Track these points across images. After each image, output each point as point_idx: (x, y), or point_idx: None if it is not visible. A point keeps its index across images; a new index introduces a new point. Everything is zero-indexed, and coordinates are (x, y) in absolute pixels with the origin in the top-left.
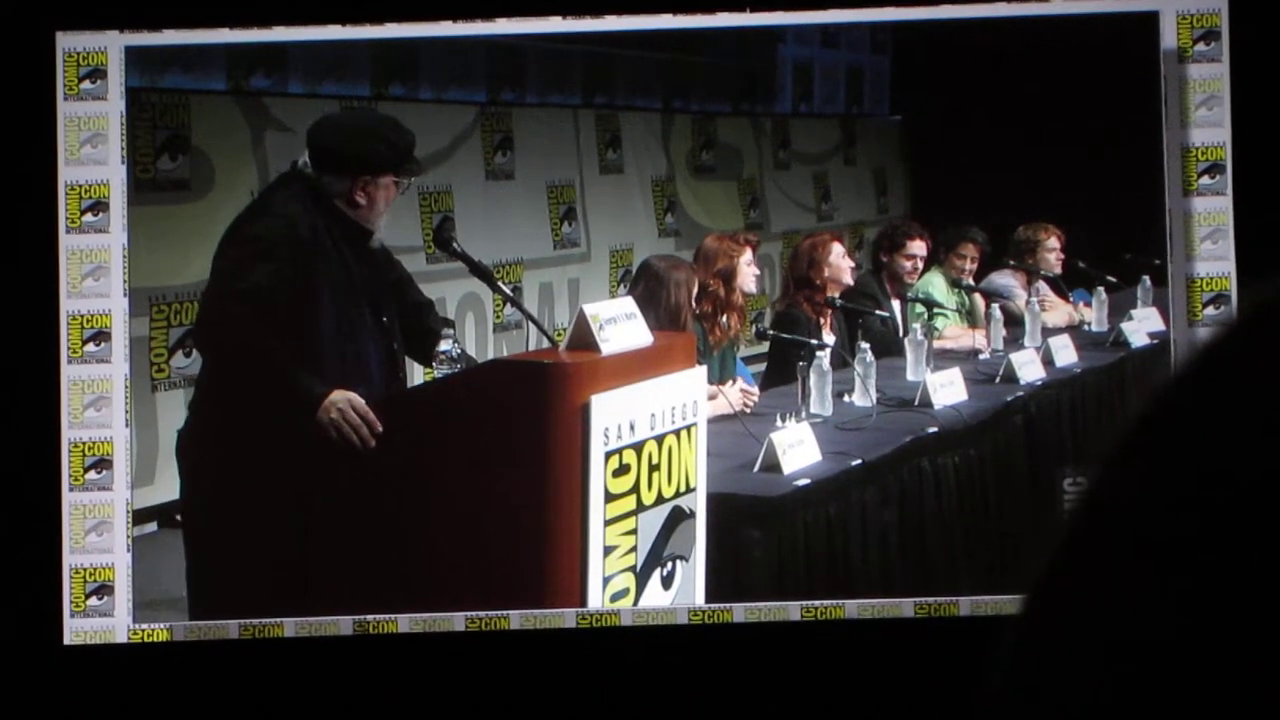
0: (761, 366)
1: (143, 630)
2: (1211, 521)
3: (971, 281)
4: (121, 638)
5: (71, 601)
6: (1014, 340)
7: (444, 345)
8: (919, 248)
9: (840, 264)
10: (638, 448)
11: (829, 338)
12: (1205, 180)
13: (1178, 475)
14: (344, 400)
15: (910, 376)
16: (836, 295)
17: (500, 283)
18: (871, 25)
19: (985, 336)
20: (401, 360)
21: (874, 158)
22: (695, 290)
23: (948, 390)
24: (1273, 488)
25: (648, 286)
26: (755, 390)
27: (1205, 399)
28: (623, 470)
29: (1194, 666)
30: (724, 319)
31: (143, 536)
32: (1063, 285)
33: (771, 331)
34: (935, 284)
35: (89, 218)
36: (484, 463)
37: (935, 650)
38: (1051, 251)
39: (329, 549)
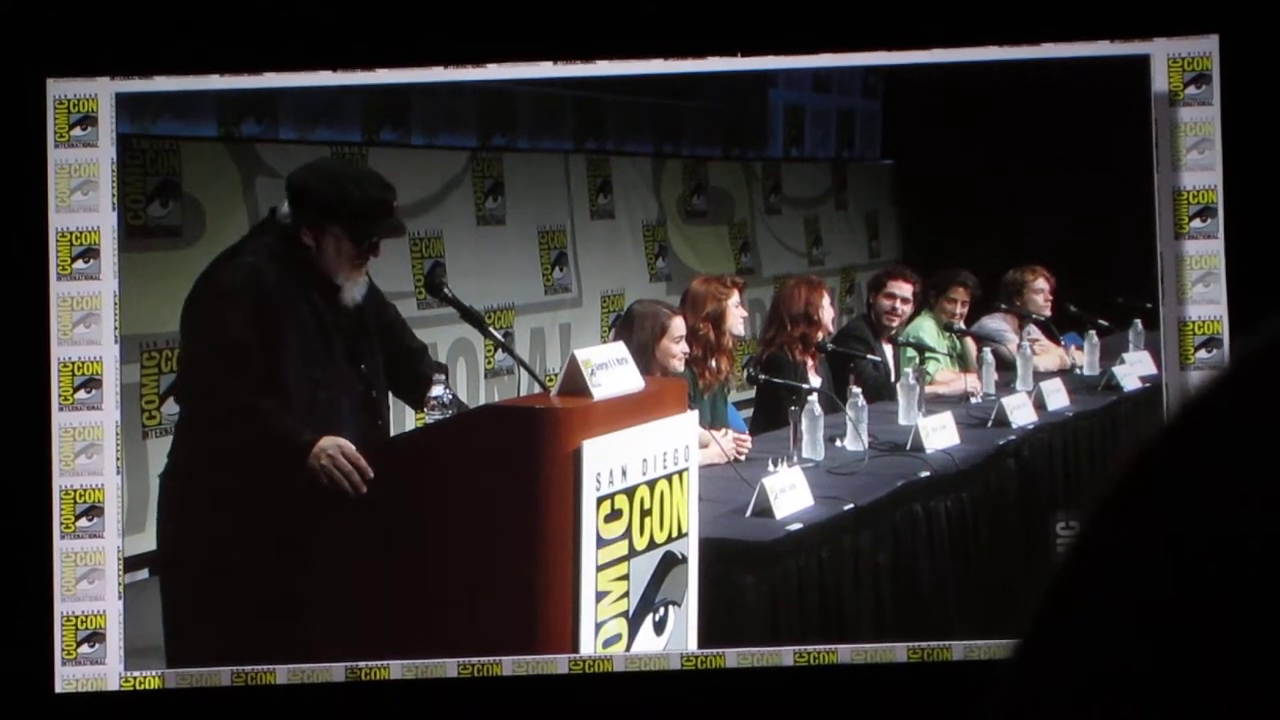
0: (748, 412)
1: (134, 678)
2: (1199, 575)
3: (962, 325)
4: (113, 685)
5: (63, 649)
6: (1006, 384)
7: (436, 390)
8: (900, 288)
9: (829, 308)
10: (630, 493)
11: (815, 380)
12: (1197, 223)
13: (1166, 528)
14: (334, 447)
15: (902, 420)
16: (827, 339)
17: (491, 328)
18: (863, 69)
19: (977, 380)
20: (382, 407)
21: (865, 202)
22: (669, 331)
23: (940, 434)
24: (1262, 542)
25: (621, 328)
26: (748, 439)
27: (1194, 450)
28: (615, 515)
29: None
30: (713, 362)
31: (134, 583)
32: (1054, 329)
33: (764, 376)
34: (925, 328)
35: (80, 264)
36: (476, 508)
37: (928, 695)
38: (1039, 293)
39: (320, 595)
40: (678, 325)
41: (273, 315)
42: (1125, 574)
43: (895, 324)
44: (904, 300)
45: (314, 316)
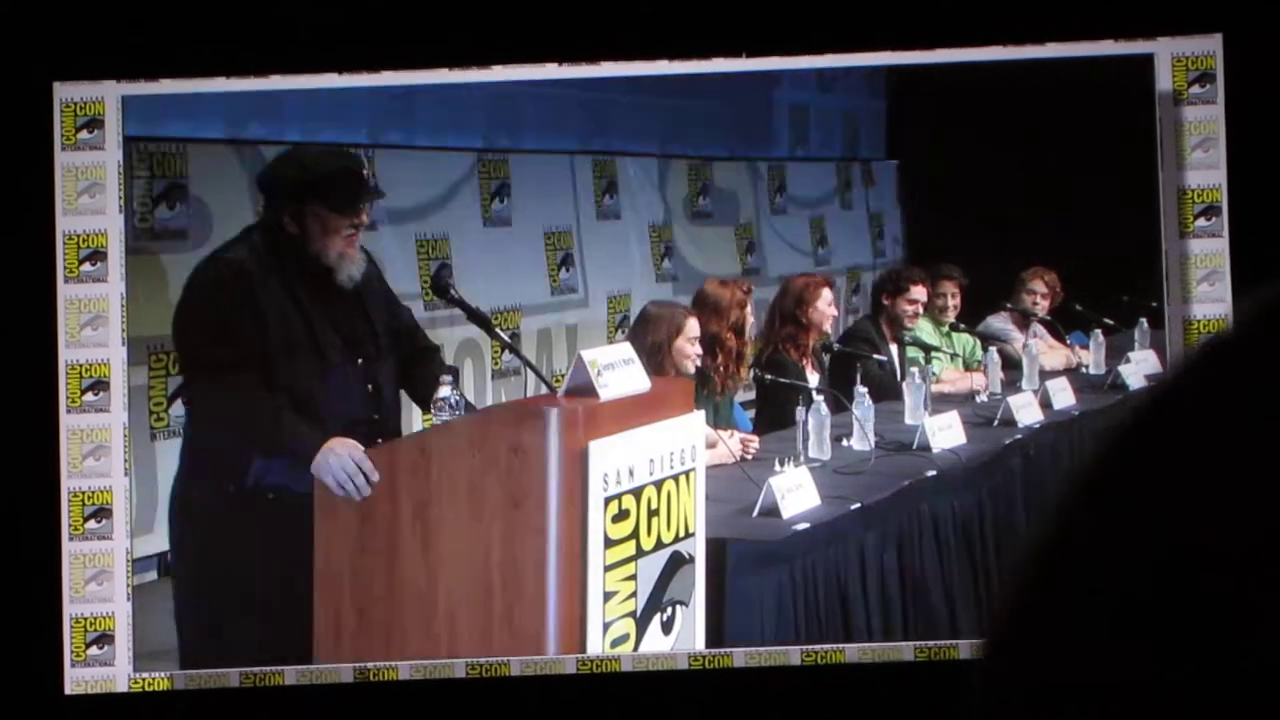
0: (751, 412)
1: (143, 679)
2: (1164, 573)
3: (953, 319)
4: (122, 687)
5: (72, 651)
6: (1011, 383)
7: (443, 391)
8: (921, 293)
9: (825, 310)
10: (637, 493)
11: (812, 379)
12: (1201, 222)
13: (1129, 527)
14: (343, 449)
15: (909, 420)
16: (833, 339)
17: (498, 329)
18: (867, 69)
19: (983, 379)
20: (382, 400)
21: (870, 202)
22: (685, 331)
23: (946, 434)
24: (1226, 538)
25: (634, 329)
26: (756, 440)
27: (1156, 445)
28: (622, 516)
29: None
30: (729, 368)
31: (143, 585)
32: (1060, 328)
33: (769, 377)
34: (922, 327)
35: (87, 267)
36: (483, 509)
37: (935, 694)
38: (1031, 294)
39: (327, 596)
40: (692, 325)
41: (256, 308)
42: (1084, 578)
43: (914, 326)
44: (923, 303)
45: (299, 309)
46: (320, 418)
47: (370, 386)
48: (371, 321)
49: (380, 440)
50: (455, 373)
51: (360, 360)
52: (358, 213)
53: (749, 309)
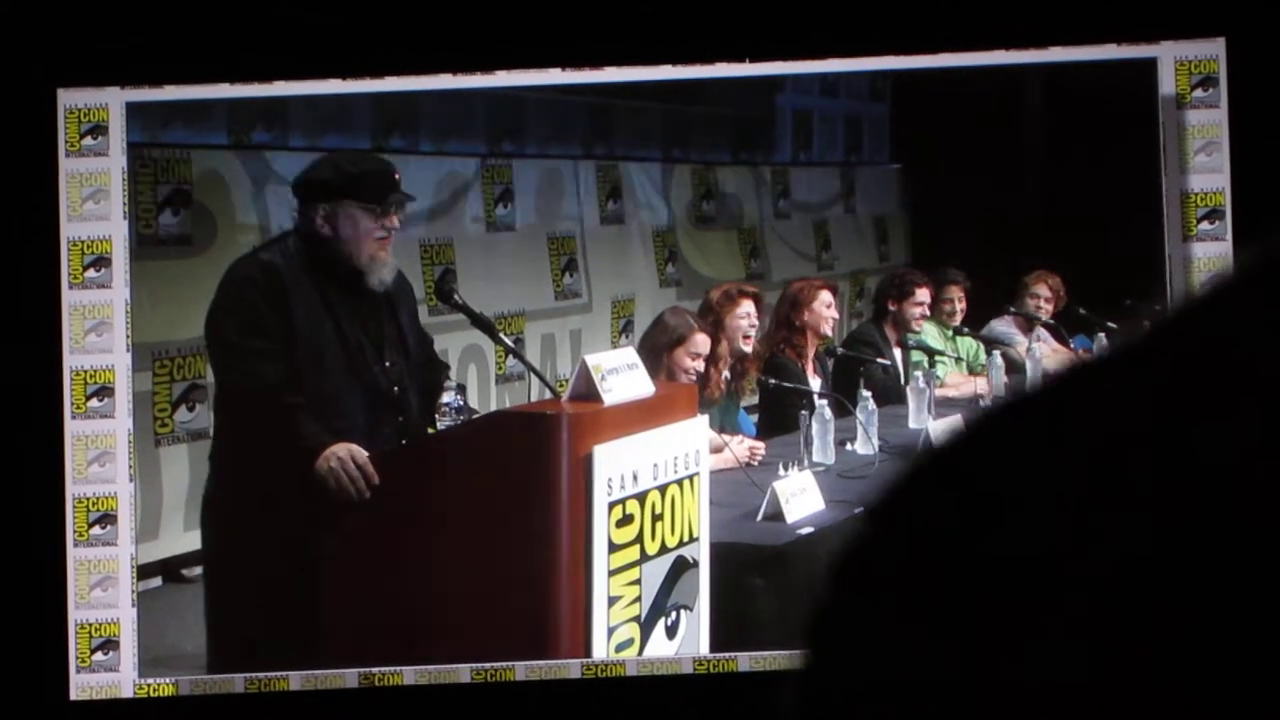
0: (755, 416)
1: (149, 685)
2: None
3: (959, 322)
4: (127, 693)
5: (77, 657)
6: (1015, 387)
7: (446, 397)
8: (926, 295)
9: (823, 313)
10: (641, 498)
11: (813, 382)
12: (1205, 225)
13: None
14: (345, 451)
15: (913, 424)
16: (836, 343)
17: (502, 334)
18: (870, 74)
19: (987, 383)
20: (405, 404)
21: (874, 206)
22: (686, 343)
23: None
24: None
25: (647, 330)
26: (762, 446)
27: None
28: (626, 520)
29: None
30: (709, 372)
31: (147, 591)
32: (1063, 331)
33: (774, 381)
34: (928, 331)
35: (91, 273)
36: (487, 514)
37: None
38: (1035, 299)
39: (335, 601)
40: (698, 341)
41: (286, 307)
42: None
43: (920, 329)
44: (929, 306)
45: (329, 310)
46: (346, 416)
47: (396, 389)
48: (401, 326)
49: (405, 442)
50: (463, 389)
51: (388, 363)
52: (388, 212)
53: (741, 310)
